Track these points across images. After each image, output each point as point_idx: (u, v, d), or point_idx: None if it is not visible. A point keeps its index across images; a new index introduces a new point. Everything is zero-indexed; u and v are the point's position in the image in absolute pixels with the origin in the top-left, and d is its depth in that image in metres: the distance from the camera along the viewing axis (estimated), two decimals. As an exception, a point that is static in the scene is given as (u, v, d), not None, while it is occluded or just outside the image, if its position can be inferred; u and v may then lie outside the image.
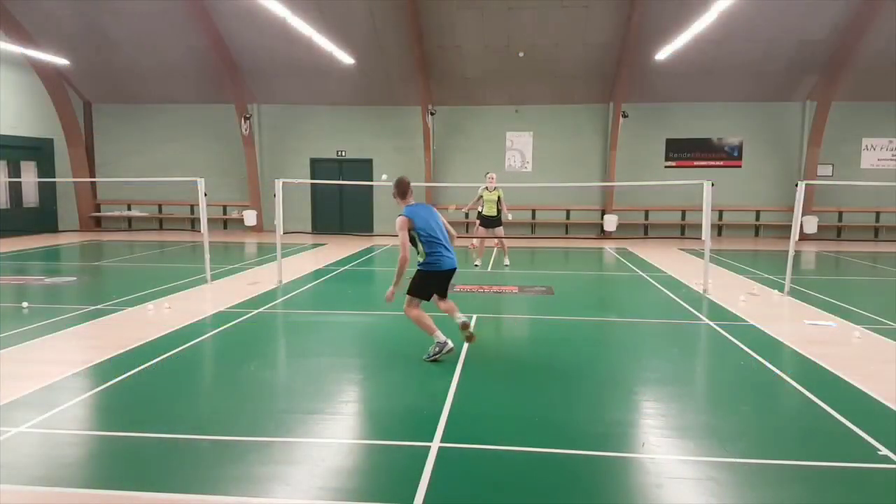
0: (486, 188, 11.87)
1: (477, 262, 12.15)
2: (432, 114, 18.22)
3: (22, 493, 3.34)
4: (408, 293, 5.87)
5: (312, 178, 19.17)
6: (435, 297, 6.00)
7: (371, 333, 6.84)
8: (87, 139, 19.66)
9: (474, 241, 14.55)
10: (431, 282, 5.87)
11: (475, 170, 18.38)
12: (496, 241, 12.32)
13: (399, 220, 5.73)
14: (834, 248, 16.08)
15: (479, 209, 12.03)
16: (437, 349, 5.75)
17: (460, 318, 5.87)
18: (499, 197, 11.83)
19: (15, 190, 18.11)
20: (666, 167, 18.61)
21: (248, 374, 5.41)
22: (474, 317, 7.58)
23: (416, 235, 5.78)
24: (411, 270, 5.83)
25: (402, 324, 7.45)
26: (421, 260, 5.87)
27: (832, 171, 18.03)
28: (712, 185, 9.32)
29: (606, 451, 3.93)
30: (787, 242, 9.47)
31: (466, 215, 13.64)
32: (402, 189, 5.92)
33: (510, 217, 12.13)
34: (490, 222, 11.93)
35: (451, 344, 5.75)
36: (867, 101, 17.60)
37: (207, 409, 4.75)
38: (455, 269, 5.94)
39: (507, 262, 12.18)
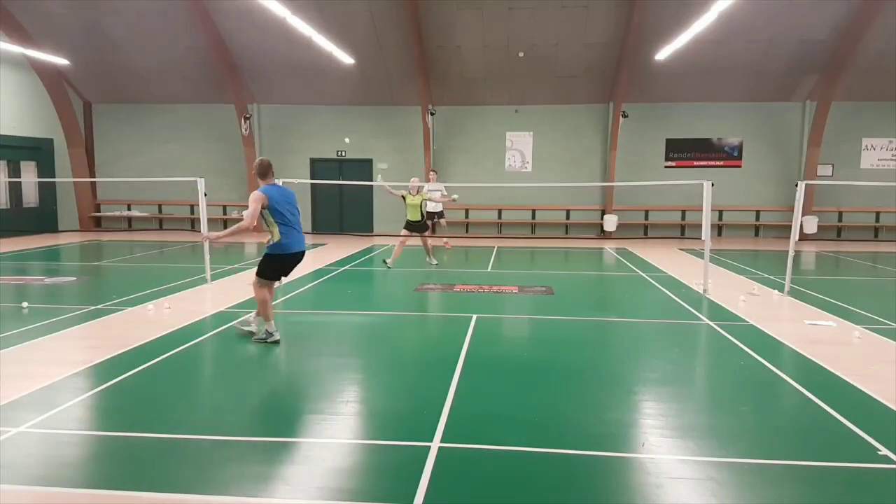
0: (410, 193, 11.57)
1: (387, 261, 11.75)
2: (432, 114, 18.22)
3: (22, 493, 3.34)
4: (257, 275, 6.34)
5: (312, 178, 19.18)
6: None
7: (371, 333, 6.84)
8: (87, 139, 19.66)
9: (447, 240, 14.70)
10: (278, 264, 6.34)
11: (475, 170, 18.39)
12: (423, 241, 12.04)
13: (254, 193, 6.14)
14: (834, 248, 16.08)
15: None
16: (265, 335, 6.29)
17: (272, 328, 6.28)
18: (422, 201, 11.61)
19: (15, 190, 18.10)
20: (666, 167, 18.61)
21: (248, 374, 5.41)
22: (474, 317, 7.58)
23: (269, 214, 6.19)
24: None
25: (402, 324, 7.46)
26: (272, 242, 6.28)
27: (832, 171, 18.03)
28: (712, 185, 9.32)
29: (606, 451, 3.93)
30: (787, 242, 9.47)
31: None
32: (262, 170, 6.31)
33: (456, 197, 12.17)
34: (416, 227, 11.68)
35: (277, 337, 6.27)
36: (867, 101, 17.61)
37: (207, 409, 4.75)
38: (303, 251, 6.36)
39: (434, 261, 11.90)
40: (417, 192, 11.61)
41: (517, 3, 15.55)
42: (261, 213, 6.14)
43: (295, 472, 3.62)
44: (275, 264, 6.35)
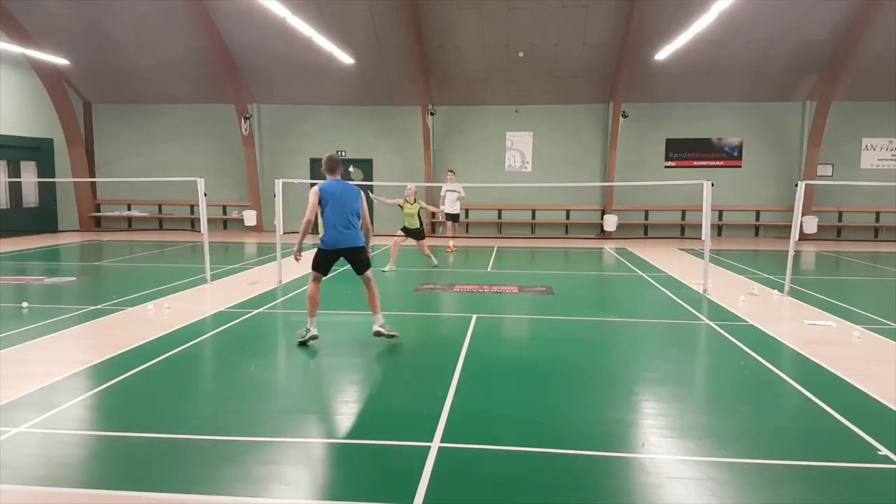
0: (407, 201, 11.47)
1: (386, 269, 11.36)
2: (432, 114, 18.22)
3: (22, 493, 3.34)
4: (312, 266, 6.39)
5: (312, 178, 19.17)
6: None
7: (371, 333, 6.84)
8: (87, 139, 19.66)
9: (452, 243, 14.75)
10: (322, 258, 6.35)
11: (475, 170, 18.39)
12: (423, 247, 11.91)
13: (313, 188, 6.26)
14: (834, 248, 16.08)
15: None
16: (304, 333, 6.26)
17: (379, 322, 6.32)
18: (420, 208, 11.55)
19: (15, 190, 18.09)
20: (666, 167, 18.61)
21: (248, 374, 5.41)
22: (473, 317, 7.58)
23: (320, 209, 6.24)
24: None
25: (402, 324, 7.45)
26: (320, 235, 6.34)
27: (832, 171, 18.03)
28: (712, 185, 9.32)
29: (606, 451, 3.93)
30: (787, 242, 9.47)
31: (433, 214, 13.96)
32: (329, 165, 6.40)
33: (442, 209, 12.51)
34: (414, 234, 11.64)
35: (314, 332, 6.24)
36: (867, 101, 17.61)
37: (207, 409, 4.75)
38: (347, 248, 6.27)
39: (434, 260, 11.77)
40: (415, 200, 11.51)
41: (517, 3, 15.55)
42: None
43: (295, 472, 3.62)
44: (317, 257, 6.42)
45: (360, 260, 6.40)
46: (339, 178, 6.40)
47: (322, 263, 6.37)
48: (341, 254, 6.32)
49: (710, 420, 4.44)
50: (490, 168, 18.98)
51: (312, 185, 6.52)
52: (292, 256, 6.45)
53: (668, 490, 3.39)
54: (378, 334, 6.30)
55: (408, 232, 11.68)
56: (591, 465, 3.73)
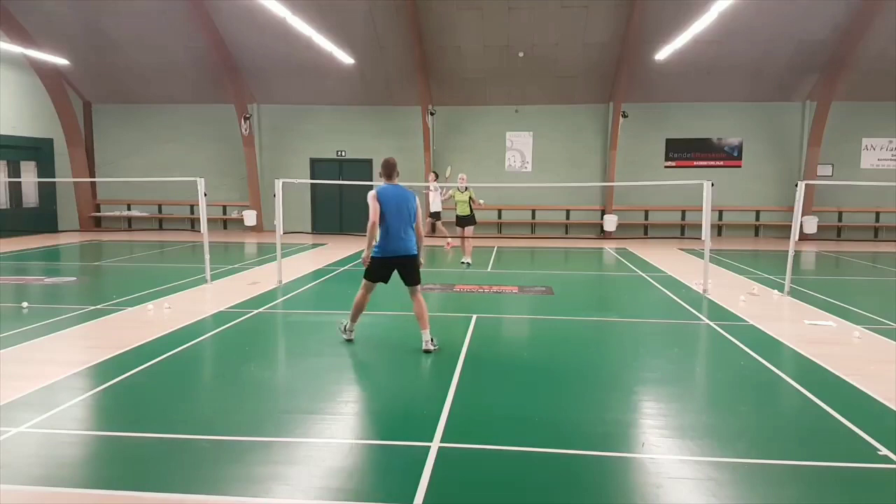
0: (458, 189, 12.23)
1: (466, 260, 12.05)
2: (432, 114, 18.22)
3: (22, 493, 3.34)
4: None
5: (312, 178, 19.18)
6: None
7: (371, 333, 6.85)
8: (87, 139, 19.67)
9: (449, 240, 14.77)
10: (378, 266, 6.15)
11: (475, 170, 18.38)
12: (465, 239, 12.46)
13: (371, 192, 6.10)
14: (834, 248, 16.08)
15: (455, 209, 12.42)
16: (341, 328, 6.49)
17: (426, 338, 6.08)
18: (470, 196, 12.17)
19: (15, 190, 18.09)
20: (666, 167, 18.61)
21: (248, 374, 5.41)
22: (474, 317, 7.59)
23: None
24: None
25: (402, 323, 7.45)
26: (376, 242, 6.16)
27: (832, 171, 18.03)
28: (712, 185, 9.32)
29: (606, 451, 3.93)
30: (787, 242, 9.47)
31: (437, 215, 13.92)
32: (387, 170, 6.29)
33: (482, 202, 12.63)
34: (464, 221, 12.28)
35: (350, 337, 6.42)
36: (867, 101, 17.61)
37: (207, 409, 4.74)
38: (401, 256, 6.08)
39: (468, 260, 12.07)
40: (465, 188, 12.16)
41: (517, 3, 15.55)
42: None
43: (295, 472, 3.62)
44: (372, 266, 6.15)
45: (412, 270, 6.15)
46: (395, 182, 6.21)
47: (376, 272, 6.15)
48: (396, 262, 6.09)
49: (710, 420, 4.44)
50: (490, 168, 18.98)
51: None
52: (360, 261, 6.30)
53: (668, 490, 3.39)
54: (427, 351, 6.02)
55: (460, 220, 12.26)
56: (591, 465, 3.73)
